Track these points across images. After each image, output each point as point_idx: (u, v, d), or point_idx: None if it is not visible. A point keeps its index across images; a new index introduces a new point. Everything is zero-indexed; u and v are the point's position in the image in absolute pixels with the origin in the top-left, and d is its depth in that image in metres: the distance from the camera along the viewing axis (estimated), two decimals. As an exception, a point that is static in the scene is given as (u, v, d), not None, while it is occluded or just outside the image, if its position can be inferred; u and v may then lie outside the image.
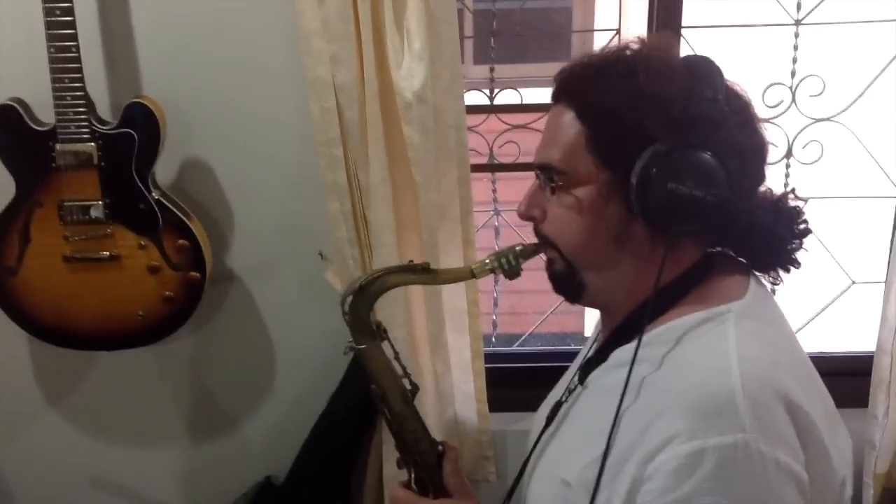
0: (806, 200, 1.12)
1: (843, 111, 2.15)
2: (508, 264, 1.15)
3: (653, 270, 1.03)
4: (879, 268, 2.05)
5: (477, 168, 2.08)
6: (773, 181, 1.11)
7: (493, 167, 2.26)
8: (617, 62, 1.05)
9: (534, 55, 3.55)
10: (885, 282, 2.01)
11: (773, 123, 2.12)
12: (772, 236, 1.08)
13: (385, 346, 1.27)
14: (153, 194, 1.81)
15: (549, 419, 1.22)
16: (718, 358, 0.98)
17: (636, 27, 2.10)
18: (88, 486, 2.24)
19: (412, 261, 1.19)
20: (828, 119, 2.13)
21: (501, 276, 1.17)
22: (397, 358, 1.28)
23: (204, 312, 2.01)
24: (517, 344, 2.53)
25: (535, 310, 2.79)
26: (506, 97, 2.18)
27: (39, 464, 2.21)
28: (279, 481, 2.16)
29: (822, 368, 2.35)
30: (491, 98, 2.17)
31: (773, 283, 1.13)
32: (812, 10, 2.05)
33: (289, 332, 2.13)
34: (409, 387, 1.28)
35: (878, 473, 2.06)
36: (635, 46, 1.07)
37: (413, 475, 1.29)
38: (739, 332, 1.01)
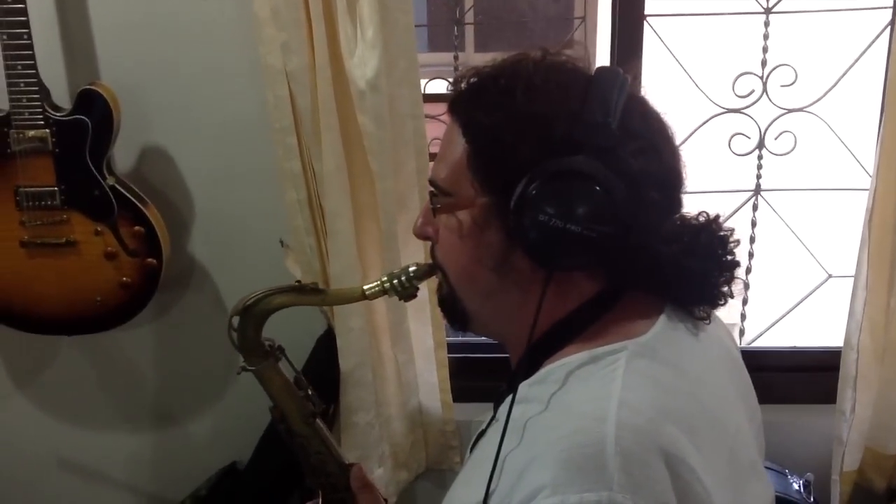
0: (733, 230, 1.00)
1: (816, 101, 2.10)
2: (402, 286, 1.07)
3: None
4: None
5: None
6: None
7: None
8: (500, 77, 0.96)
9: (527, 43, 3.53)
10: (855, 276, 1.97)
11: (744, 113, 2.09)
12: (683, 271, 0.97)
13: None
14: (108, 181, 1.82)
15: (472, 449, 1.14)
16: (598, 402, 0.88)
17: (602, 16, 2.07)
18: (55, 468, 2.26)
19: (299, 281, 1.14)
20: (800, 109, 2.09)
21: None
22: (299, 376, 1.22)
23: (166, 298, 2.02)
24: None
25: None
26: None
27: (5, 447, 2.24)
28: (244, 466, 2.18)
29: (793, 363, 2.28)
30: (457, 87, 2.14)
31: (701, 320, 1.02)
32: (781, -2, 2.01)
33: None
34: (313, 407, 1.22)
35: (846, 472, 2.02)
36: (534, 57, 0.97)
37: (321, 499, 1.25)
38: (629, 373, 0.91)
